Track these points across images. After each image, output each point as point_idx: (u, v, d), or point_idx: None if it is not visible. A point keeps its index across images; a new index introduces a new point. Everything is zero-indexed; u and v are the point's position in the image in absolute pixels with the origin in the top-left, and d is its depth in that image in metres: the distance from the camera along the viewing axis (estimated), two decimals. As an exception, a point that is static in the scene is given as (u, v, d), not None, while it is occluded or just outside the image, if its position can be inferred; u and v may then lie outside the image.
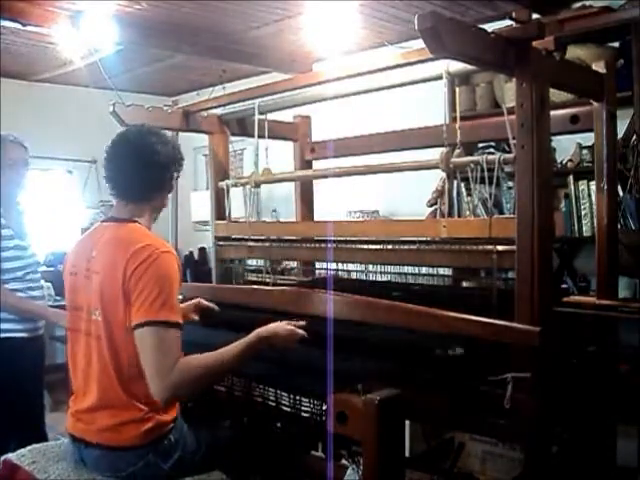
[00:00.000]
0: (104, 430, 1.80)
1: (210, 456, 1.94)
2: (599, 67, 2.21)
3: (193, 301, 2.38)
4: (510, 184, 3.15)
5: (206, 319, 2.39)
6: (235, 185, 2.98)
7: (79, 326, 1.88)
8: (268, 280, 2.79)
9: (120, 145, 1.91)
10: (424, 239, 2.29)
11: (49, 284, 5.05)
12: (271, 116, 2.94)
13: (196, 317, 2.38)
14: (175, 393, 1.72)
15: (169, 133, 2.64)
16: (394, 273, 2.37)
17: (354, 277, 2.50)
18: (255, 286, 2.71)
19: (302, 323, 1.98)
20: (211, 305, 2.40)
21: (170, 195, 2.07)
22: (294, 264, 2.91)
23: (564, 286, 3.31)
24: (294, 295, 2.30)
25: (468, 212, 3.44)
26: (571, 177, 3.39)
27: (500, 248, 1.96)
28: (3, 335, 2.70)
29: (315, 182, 3.29)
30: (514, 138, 1.94)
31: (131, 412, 1.77)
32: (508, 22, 1.85)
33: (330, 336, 1.90)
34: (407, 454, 2.82)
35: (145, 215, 1.95)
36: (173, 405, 1.85)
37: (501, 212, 3.39)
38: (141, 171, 1.89)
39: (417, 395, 1.71)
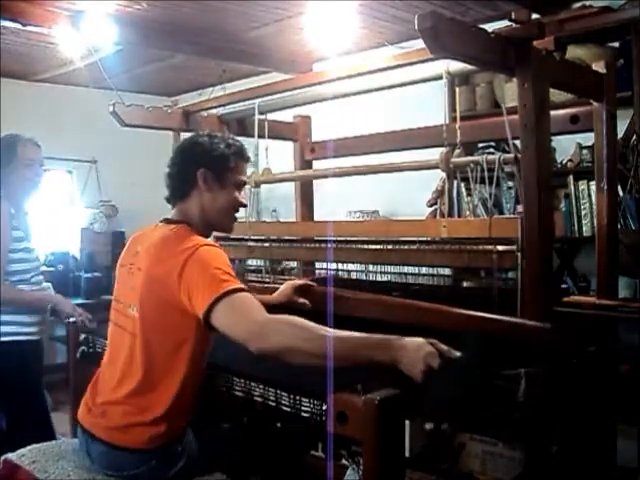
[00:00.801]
0: (113, 428, 1.79)
1: (211, 462, 1.93)
2: (599, 67, 2.21)
3: (287, 285, 2.26)
4: (510, 184, 3.15)
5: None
6: (235, 185, 2.98)
7: (118, 318, 1.90)
8: (268, 280, 2.79)
9: (173, 154, 1.96)
10: (424, 239, 2.29)
11: (49, 284, 5.05)
12: (271, 116, 2.94)
13: (304, 301, 2.26)
14: (271, 343, 1.58)
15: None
16: (394, 273, 2.37)
17: (354, 277, 2.50)
18: (257, 285, 2.71)
19: (447, 350, 1.54)
20: (308, 282, 2.30)
21: (241, 192, 2.01)
22: (294, 264, 2.91)
23: (564, 286, 3.32)
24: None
25: (468, 212, 3.43)
26: (571, 177, 3.39)
27: (500, 248, 1.96)
28: (4, 339, 2.68)
29: (315, 182, 3.29)
30: (513, 138, 1.94)
31: (144, 415, 1.76)
32: (508, 22, 1.85)
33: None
34: (407, 454, 2.82)
35: (194, 216, 1.91)
36: (187, 412, 1.83)
37: (501, 212, 3.39)
38: (172, 170, 1.93)
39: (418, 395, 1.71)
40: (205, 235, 1.90)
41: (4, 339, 2.66)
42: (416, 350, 1.51)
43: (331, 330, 1.60)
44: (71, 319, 2.66)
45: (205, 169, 1.88)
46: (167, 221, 1.93)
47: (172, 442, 1.81)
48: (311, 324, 1.60)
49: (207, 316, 1.64)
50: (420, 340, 1.53)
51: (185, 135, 3.51)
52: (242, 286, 1.69)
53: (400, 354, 1.52)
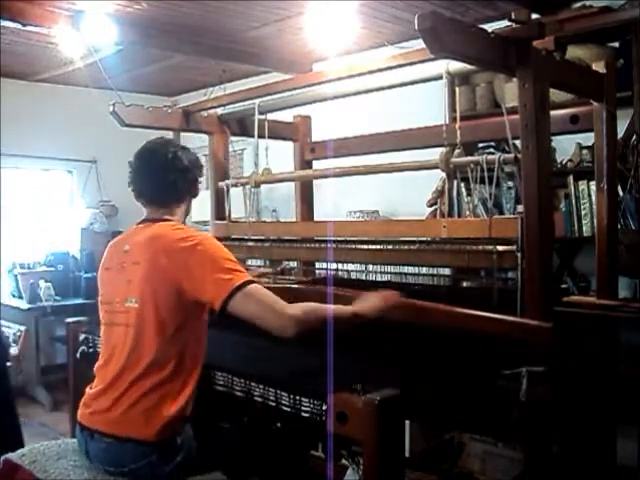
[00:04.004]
0: (117, 421, 1.82)
1: (210, 459, 1.93)
2: (599, 67, 2.21)
3: (382, 294, 2.01)
4: (510, 184, 3.15)
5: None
6: (235, 185, 2.98)
7: (111, 318, 1.95)
8: (268, 280, 2.79)
9: (144, 157, 2.05)
10: (424, 239, 2.29)
11: (49, 284, 5.06)
12: (271, 116, 2.94)
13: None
14: (298, 323, 1.77)
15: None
16: (394, 273, 2.37)
17: (354, 277, 2.50)
18: (264, 285, 2.71)
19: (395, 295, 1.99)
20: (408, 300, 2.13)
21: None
22: (294, 264, 2.91)
23: (564, 286, 3.31)
24: (305, 293, 2.31)
25: (468, 212, 3.43)
26: (571, 177, 3.39)
27: (500, 248, 1.96)
28: None
29: (315, 182, 3.29)
30: (513, 138, 1.94)
31: (146, 405, 1.79)
32: (508, 22, 1.85)
33: (330, 334, 1.90)
34: (407, 454, 2.82)
35: (176, 216, 2.05)
36: (185, 402, 1.85)
37: (501, 212, 3.38)
38: (170, 177, 2.00)
39: (418, 394, 1.72)
40: None
41: None
42: (372, 295, 1.96)
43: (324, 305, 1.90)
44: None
45: (197, 178, 2.09)
46: (148, 220, 2.01)
47: (173, 435, 1.82)
48: (315, 305, 1.86)
49: (224, 304, 1.77)
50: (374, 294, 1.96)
51: (185, 135, 3.53)
52: (252, 278, 1.86)
53: (359, 301, 1.94)
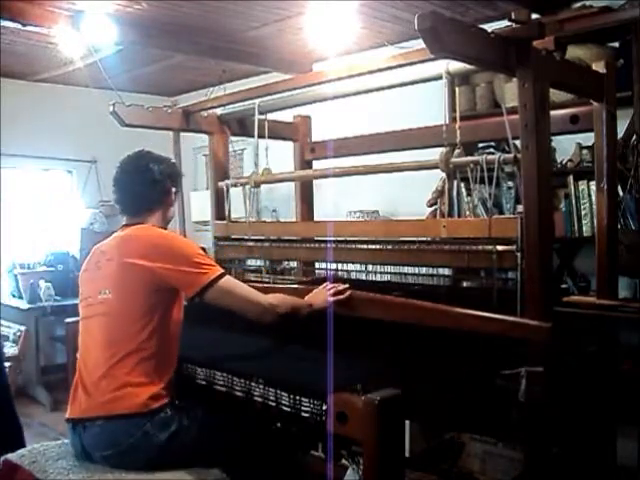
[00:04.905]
0: (106, 401, 1.90)
1: (210, 458, 1.95)
2: (599, 67, 2.21)
3: (331, 288, 2.23)
4: (510, 184, 3.15)
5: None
6: (235, 185, 2.98)
7: (88, 311, 2.07)
8: (268, 280, 2.79)
9: (120, 170, 2.19)
10: (424, 239, 2.29)
11: (49, 284, 5.05)
12: (271, 116, 2.94)
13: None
14: (273, 310, 2.02)
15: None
16: (394, 273, 2.37)
17: (354, 277, 2.50)
18: (265, 285, 2.71)
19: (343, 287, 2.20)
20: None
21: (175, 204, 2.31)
22: (294, 264, 2.91)
23: (564, 286, 3.31)
24: (307, 294, 2.31)
25: (468, 212, 3.43)
26: (571, 177, 3.39)
27: (500, 248, 1.96)
28: None
29: (315, 182, 3.29)
30: (514, 138, 1.94)
31: (131, 382, 1.89)
32: (508, 22, 1.85)
33: (330, 335, 1.91)
34: (407, 454, 2.82)
35: (149, 224, 2.16)
36: (168, 378, 1.97)
37: (501, 212, 3.38)
38: (138, 189, 2.15)
39: (418, 394, 1.72)
40: None
41: None
42: (321, 290, 2.22)
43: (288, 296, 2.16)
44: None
45: (171, 189, 2.22)
46: (125, 225, 2.17)
47: (162, 406, 1.92)
48: (281, 296, 2.13)
49: (200, 294, 1.97)
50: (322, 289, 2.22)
51: (185, 135, 3.53)
52: (222, 272, 2.03)
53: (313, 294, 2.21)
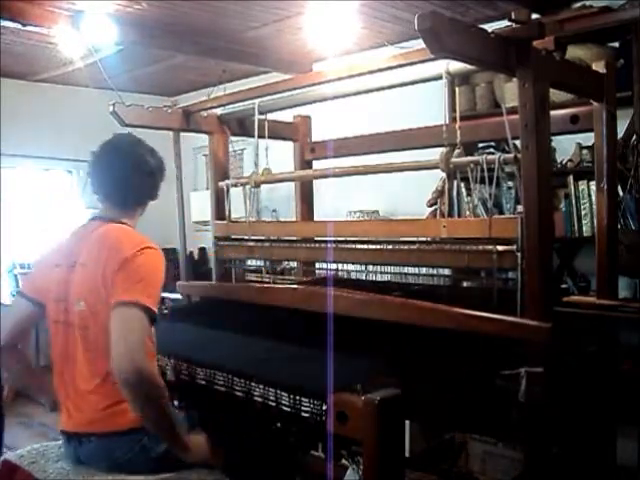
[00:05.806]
0: (99, 419, 1.83)
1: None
2: (599, 67, 2.21)
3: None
4: (510, 184, 3.15)
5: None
6: (235, 185, 2.98)
7: (61, 316, 1.92)
8: (268, 280, 2.79)
9: (111, 153, 1.99)
10: (424, 239, 2.29)
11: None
12: (271, 116, 2.94)
13: None
14: (135, 381, 1.65)
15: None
16: (394, 273, 2.37)
17: (354, 277, 2.50)
18: (266, 285, 2.71)
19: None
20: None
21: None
22: (294, 264, 2.91)
23: (564, 286, 3.32)
24: (306, 294, 2.31)
25: (468, 212, 3.43)
26: (571, 177, 3.39)
27: (500, 248, 1.96)
28: None
29: (315, 182, 3.29)
30: (513, 138, 1.94)
31: (122, 398, 1.76)
32: (508, 22, 1.85)
33: (330, 334, 1.91)
34: (407, 454, 2.82)
35: (132, 218, 2.02)
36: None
37: (501, 212, 3.38)
38: (134, 179, 1.97)
39: (418, 394, 1.72)
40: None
41: None
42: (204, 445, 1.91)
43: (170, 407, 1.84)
44: None
45: (159, 183, 2.05)
46: (102, 219, 1.99)
47: None
48: (164, 394, 1.74)
49: (115, 305, 1.73)
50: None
51: (185, 135, 3.53)
52: (150, 307, 1.74)
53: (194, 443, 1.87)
